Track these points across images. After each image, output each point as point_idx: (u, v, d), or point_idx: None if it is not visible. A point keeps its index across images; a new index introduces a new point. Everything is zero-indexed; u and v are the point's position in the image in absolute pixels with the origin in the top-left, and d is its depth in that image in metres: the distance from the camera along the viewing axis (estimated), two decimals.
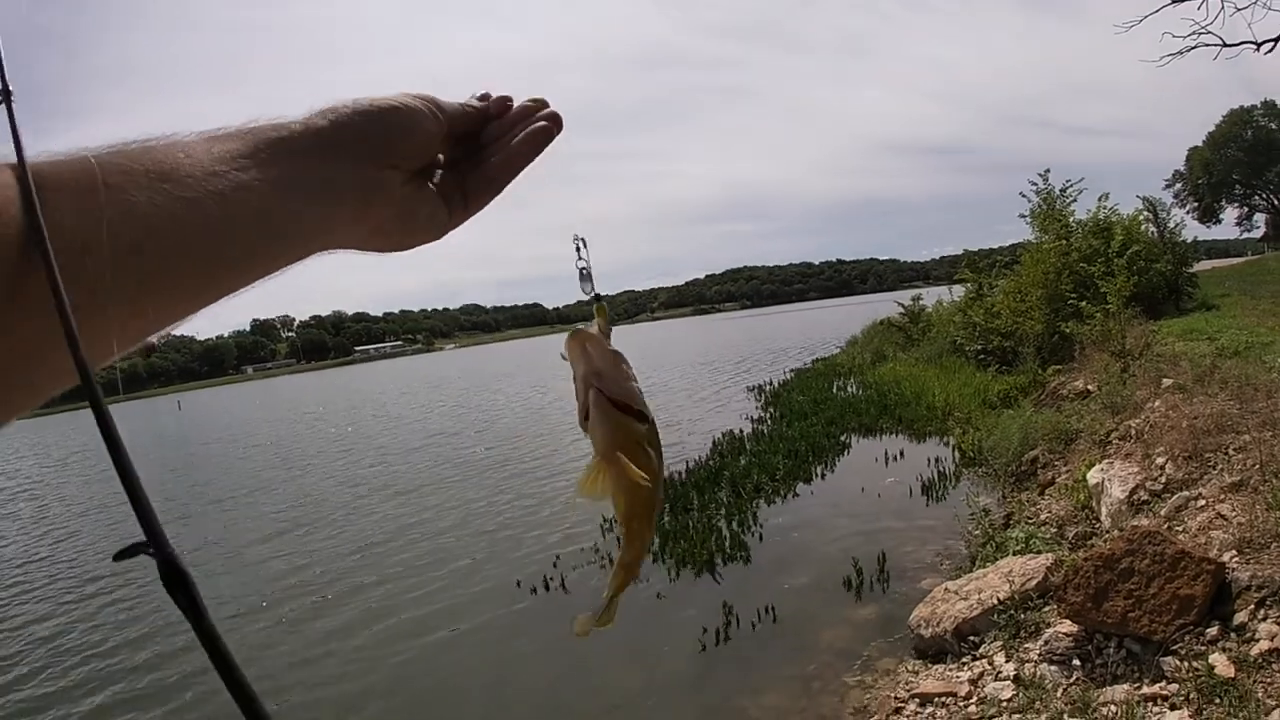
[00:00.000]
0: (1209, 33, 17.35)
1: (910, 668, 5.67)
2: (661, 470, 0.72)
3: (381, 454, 20.25)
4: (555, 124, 0.73)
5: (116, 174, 0.49)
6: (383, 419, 32.39)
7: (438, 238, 0.71)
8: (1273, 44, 17.19)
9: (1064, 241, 18.40)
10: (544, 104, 0.75)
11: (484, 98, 0.73)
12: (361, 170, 0.62)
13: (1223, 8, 17.55)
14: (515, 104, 0.74)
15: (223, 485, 16.45)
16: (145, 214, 0.49)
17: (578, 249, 0.77)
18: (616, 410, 0.69)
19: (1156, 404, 8.67)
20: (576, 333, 0.73)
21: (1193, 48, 17.68)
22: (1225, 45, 17.42)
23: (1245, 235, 75.85)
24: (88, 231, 0.46)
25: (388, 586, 9.41)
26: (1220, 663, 3.99)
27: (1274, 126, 63.70)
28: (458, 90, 0.72)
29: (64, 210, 0.46)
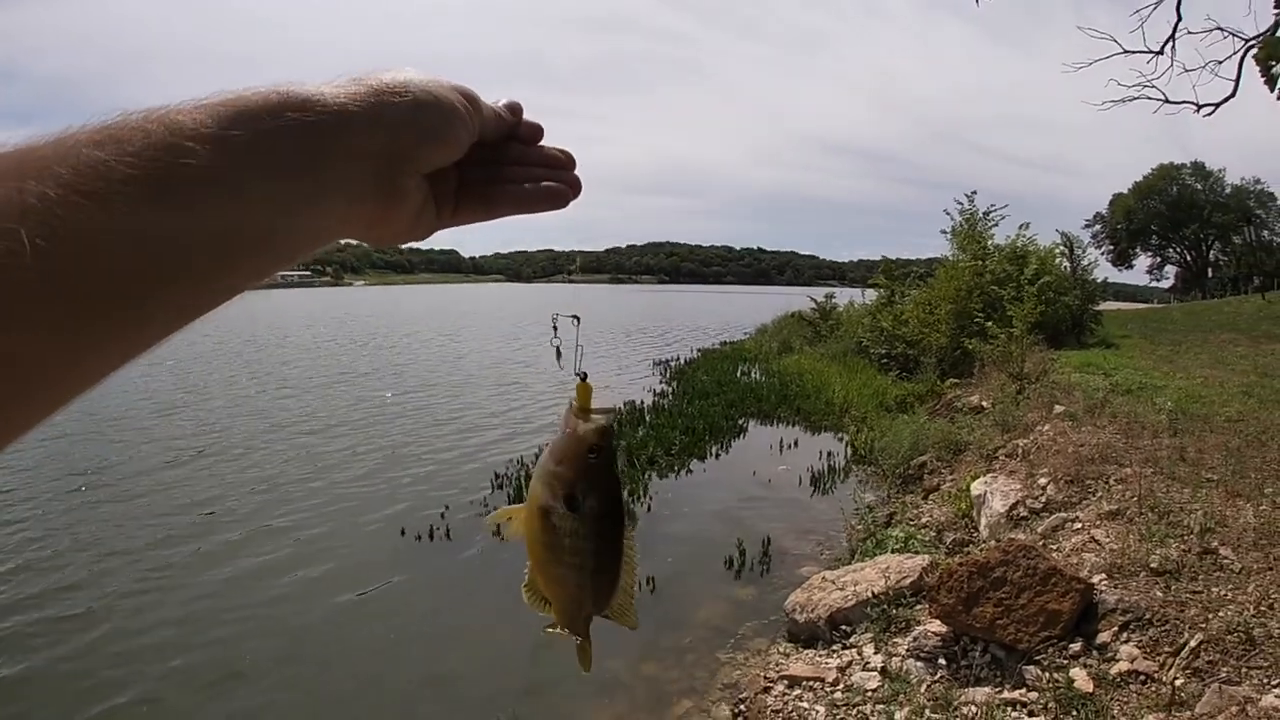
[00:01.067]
0: (1153, 86, 17.93)
1: (782, 650, 5.76)
2: (581, 568, 0.75)
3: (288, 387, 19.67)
4: (575, 190, 0.69)
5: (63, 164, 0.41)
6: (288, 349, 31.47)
7: (421, 239, 0.65)
8: (1213, 108, 17.83)
9: (980, 262, 18.94)
10: (572, 161, 0.70)
11: (515, 110, 0.68)
12: (388, 173, 0.56)
13: (1171, 65, 18.14)
14: (544, 139, 0.69)
15: (118, 405, 15.65)
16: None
17: (554, 326, 0.79)
18: (534, 483, 0.73)
19: (1046, 428, 8.97)
20: (568, 408, 0.76)
21: (1135, 98, 18.25)
22: (1167, 101, 18.02)
23: (1154, 283, 79.26)
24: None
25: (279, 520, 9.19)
26: (1080, 677, 4.15)
27: (1199, 187, 66.53)
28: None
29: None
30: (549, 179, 0.68)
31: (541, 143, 0.70)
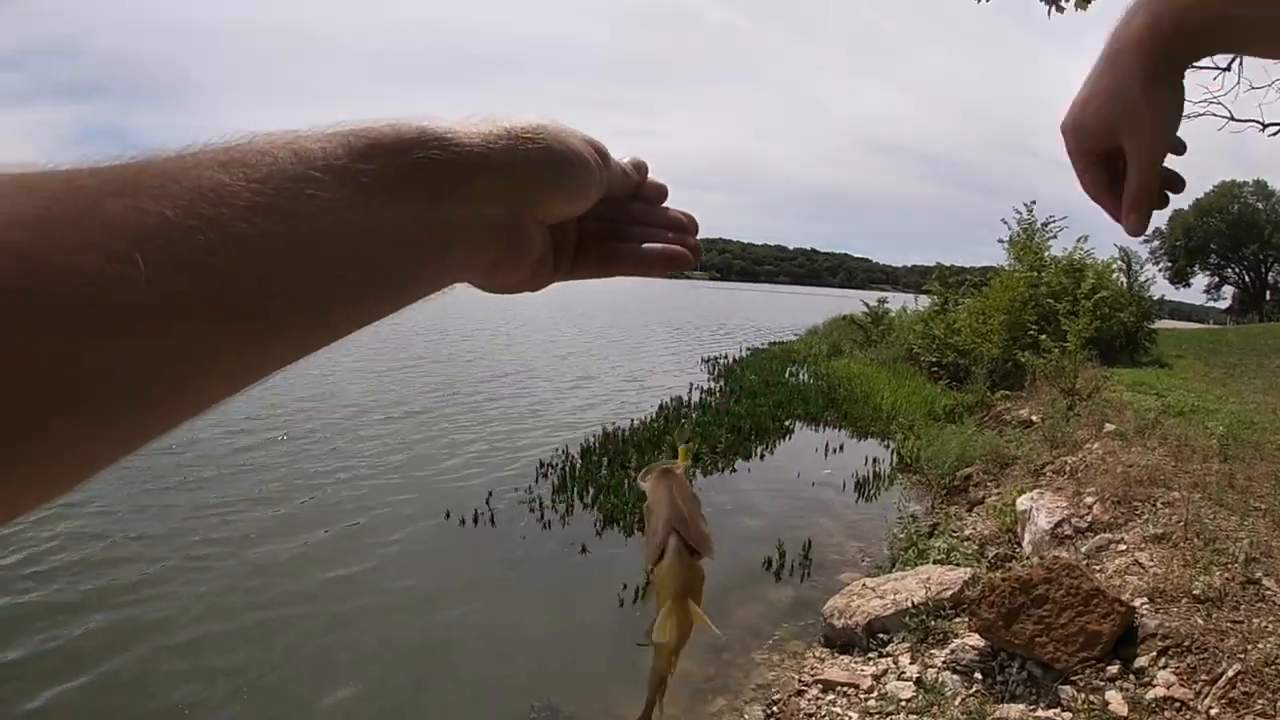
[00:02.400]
0: (1219, 103, 17.58)
1: (817, 654, 5.80)
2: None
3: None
4: (696, 255, 0.67)
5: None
6: None
7: (536, 290, 0.63)
8: (1278, 128, 17.44)
9: (1036, 274, 18.66)
10: (695, 225, 0.70)
11: (640, 169, 0.68)
12: (516, 220, 0.55)
13: (1238, 82, 17.73)
14: (668, 200, 0.69)
15: None
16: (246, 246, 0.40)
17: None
18: (693, 557, 0.69)
19: (1095, 446, 8.88)
20: (662, 472, 0.72)
21: (1200, 115, 17.90)
22: (1233, 119, 17.65)
23: (1211, 303, 77.50)
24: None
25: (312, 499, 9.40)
26: (1115, 700, 4.15)
27: (1260, 206, 64.88)
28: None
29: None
30: (672, 241, 0.67)
31: (665, 203, 0.69)
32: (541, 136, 0.55)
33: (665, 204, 0.70)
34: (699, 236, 0.68)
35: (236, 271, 0.39)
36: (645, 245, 0.66)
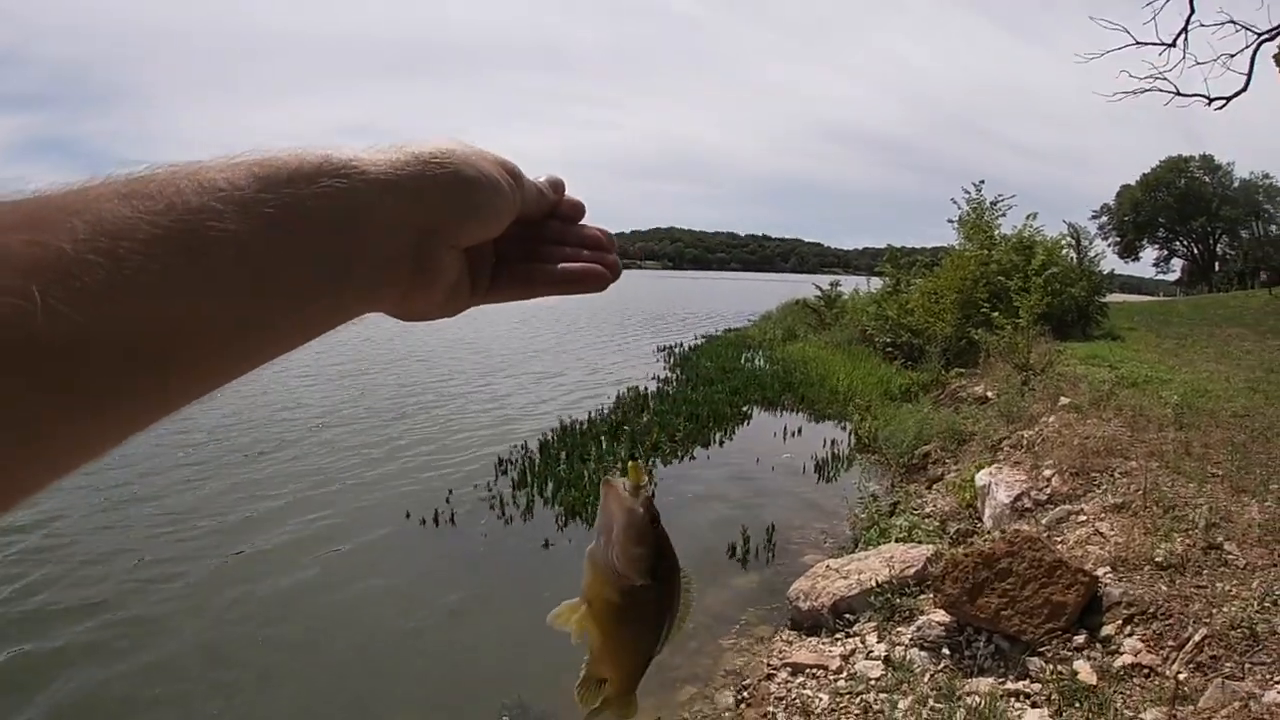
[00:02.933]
0: (1165, 79, 17.89)
1: (785, 638, 5.78)
2: (657, 625, 0.77)
3: None
4: (614, 273, 0.67)
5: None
6: None
7: (453, 315, 0.63)
8: (1224, 101, 17.79)
9: (986, 252, 18.92)
10: (612, 243, 0.69)
11: (557, 187, 0.66)
12: (426, 247, 0.54)
13: (1184, 58, 18.08)
14: (585, 218, 0.68)
15: None
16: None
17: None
18: (606, 570, 0.73)
19: (1051, 419, 8.98)
20: (606, 485, 0.75)
21: (1146, 90, 18.21)
22: (1179, 94, 17.98)
23: (1160, 276, 79.05)
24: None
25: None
26: (1084, 670, 4.17)
27: (1207, 180, 66.19)
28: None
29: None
30: (587, 259, 0.66)
31: (582, 221, 0.68)
32: (450, 161, 0.55)
33: (583, 221, 0.69)
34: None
35: (137, 304, 0.38)
36: (563, 265, 0.66)
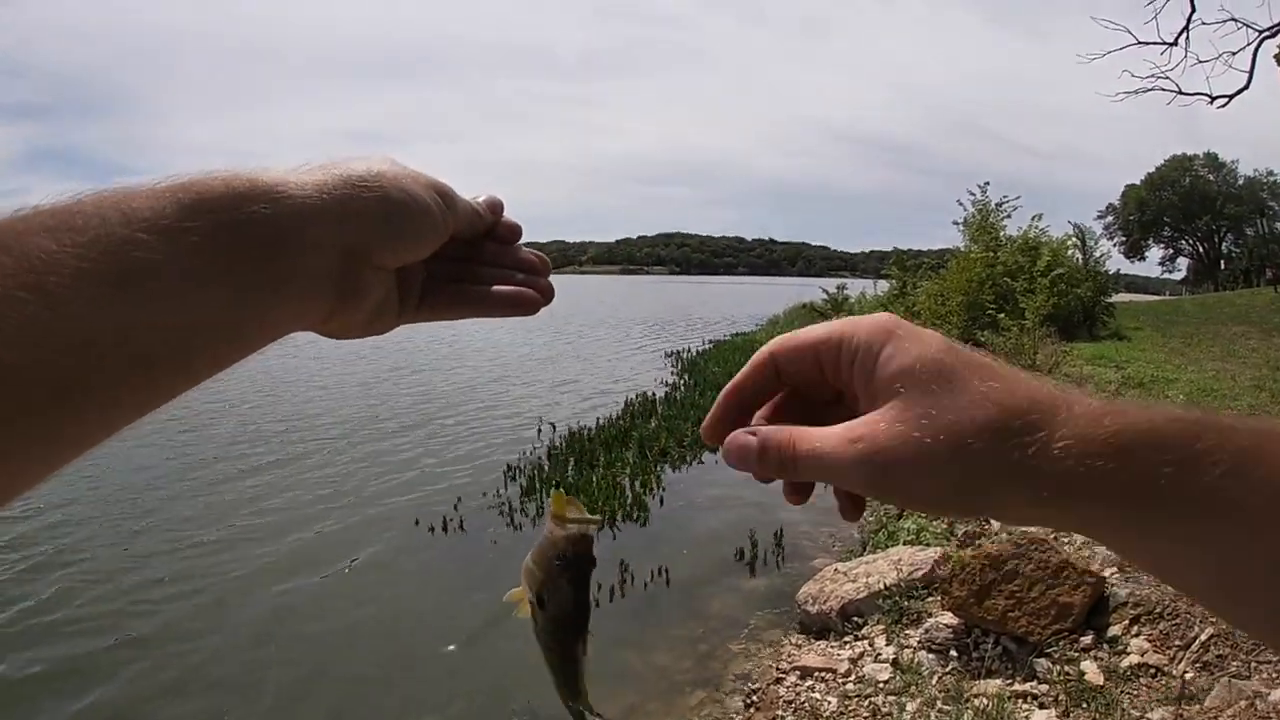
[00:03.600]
0: (1167, 78, 17.87)
1: (794, 641, 5.80)
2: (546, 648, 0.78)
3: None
4: (547, 298, 0.67)
5: None
6: None
7: (379, 334, 0.62)
8: (1227, 99, 17.77)
9: (992, 254, 18.89)
10: (547, 267, 0.69)
11: (495, 208, 0.67)
12: (351, 268, 0.54)
13: (1185, 56, 18.08)
14: (520, 241, 0.69)
15: None
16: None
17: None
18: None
19: None
20: (556, 498, 0.73)
21: (1149, 90, 18.19)
22: (1180, 93, 17.96)
23: (1166, 275, 78.92)
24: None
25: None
26: (1091, 670, 4.19)
27: (1211, 178, 66.13)
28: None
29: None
30: (521, 284, 0.67)
31: (519, 242, 0.69)
32: (378, 183, 0.55)
33: (520, 243, 0.69)
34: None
35: (67, 339, 0.39)
36: (495, 288, 0.66)
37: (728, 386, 0.64)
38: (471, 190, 0.66)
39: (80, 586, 6.99)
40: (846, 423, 0.54)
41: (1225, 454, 0.44)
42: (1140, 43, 18.06)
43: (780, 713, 4.76)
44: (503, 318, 0.66)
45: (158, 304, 0.43)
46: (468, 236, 0.65)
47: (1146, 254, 72.54)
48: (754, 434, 0.58)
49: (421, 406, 15.73)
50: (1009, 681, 4.39)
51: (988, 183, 20.45)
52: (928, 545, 6.58)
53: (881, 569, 6.05)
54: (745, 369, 0.63)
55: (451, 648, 6.12)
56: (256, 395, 16.11)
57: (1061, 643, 4.51)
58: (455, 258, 0.65)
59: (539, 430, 13.12)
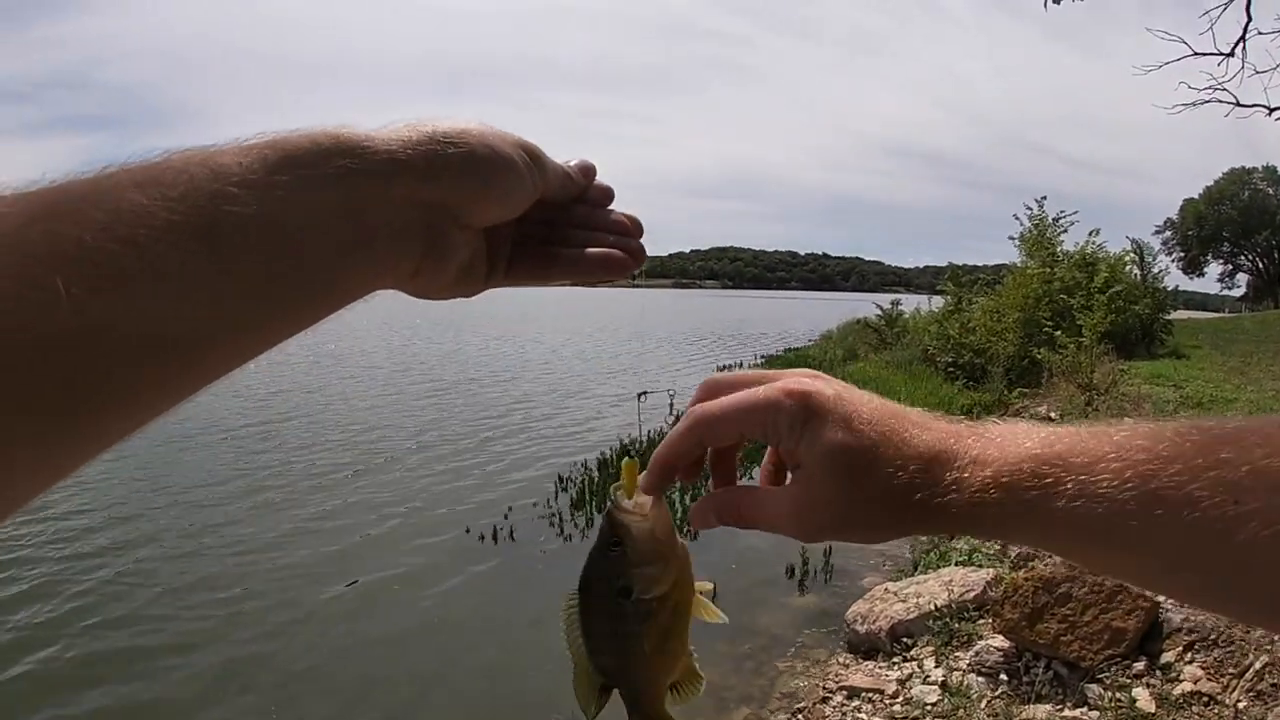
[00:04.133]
0: (1224, 89, 17.49)
1: (841, 660, 5.77)
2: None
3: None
4: (638, 260, 0.66)
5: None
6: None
7: (467, 296, 0.63)
8: None
9: (1049, 269, 18.60)
10: (640, 228, 0.68)
11: (587, 171, 0.66)
12: (436, 226, 0.54)
13: (1243, 67, 17.67)
14: (613, 204, 0.68)
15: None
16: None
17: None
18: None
19: None
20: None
21: (1206, 101, 17.80)
22: (1238, 105, 17.57)
23: (1225, 292, 76.95)
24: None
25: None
26: (1143, 697, 4.12)
27: (1270, 191, 64.34)
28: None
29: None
30: (613, 245, 0.66)
31: (611, 205, 0.68)
32: (465, 140, 0.54)
33: (611, 207, 0.68)
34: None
35: (158, 291, 0.39)
36: (587, 250, 0.65)
37: (660, 457, 0.70)
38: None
39: (133, 587, 7.16)
40: (781, 491, 0.69)
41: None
42: (1196, 54, 17.69)
43: None
44: (592, 282, 0.66)
45: (247, 257, 0.44)
46: (559, 200, 0.64)
47: (1205, 270, 70.78)
48: (710, 509, 0.72)
49: (481, 417, 15.84)
50: (1059, 707, 4.34)
51: (1044, 197, 20.19)
52: (980, 566, 6.50)
53: (933, 589, 6.00)
54: (674, 440, 0.68)
55: (489, 654, 6.19)
56: (320, 405, 16.40)
57: (1114, 668, 4.45)
58: (545, 220, 0.64)
59: (592, 441, 13.21)
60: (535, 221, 0.63)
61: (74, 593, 6.96)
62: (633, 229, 0.68)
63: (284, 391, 17.59)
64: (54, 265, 0.36)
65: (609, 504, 0.74)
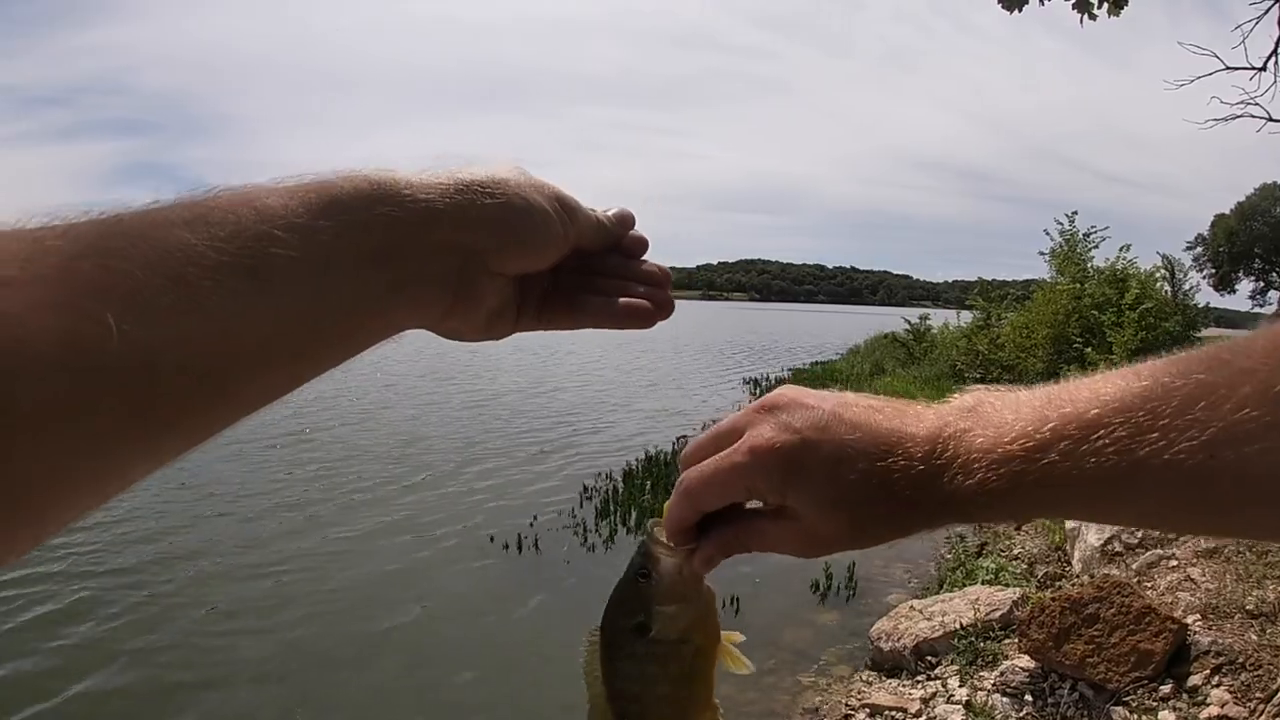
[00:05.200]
0: (1256, 104, 17.28)
1: (865, 678, 5.75)
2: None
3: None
4: (666, 312, 0.67)
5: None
6: None
7: (495, 339, 0.64)
8: None
9: (1079, 285, 18.44)
10: (669, 279, 0.69)
11: (624, 221, 0.68)
12: (468, 272, 0.56)
13: (1275, 81, 17.43)
14: (647, 254, 0.69)
15: None
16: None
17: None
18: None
19: None
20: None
21: (1238, 116, 17.59)
22: (1270, 119, 17.34)
23: (1257, 309, 75.79)
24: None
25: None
26: None
27: None
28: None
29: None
30: (643, 295, 0.66)
31: (644, 256, 0.69)
32: (500, 191, 0.56)
33: (645, 256, 0.70)
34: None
35: (204, 327, 0.41)
36: (619, 299, 0.66)
37: (669, 529, 0.72)
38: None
39: (178, 589, 7.28)
40: (785, 526, 0.68)
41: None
42: (1228, 68, 17.46)
43: None
44: (619, 329, 0.67)
45: (290, 298, 0.45)
46: (592, 248, 0.66)
47: (1237, 287, 69.72)
48: (715, 548, 0.72)
49: (512, 429, 15.88)
50: None
51: (1075, 212, 20.06)
52: (1006, 585, 6.46)
53: (958, 608, 5.97)
54: (673, 511, 0.71)
55: (511, 664, 6.22)
56: (360, 416, 16.50)
57: (1140, 691, 4.40)
58: (578, 269, 0.66)
59: (618, 453, 13.24)
60: (567, 269, 0.65)
61: (122, 608, 6.98)
62: (663, 279, 0.69)
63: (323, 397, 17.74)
64: (106, 300, 0.37)
65: (643, 536, 0.75)
